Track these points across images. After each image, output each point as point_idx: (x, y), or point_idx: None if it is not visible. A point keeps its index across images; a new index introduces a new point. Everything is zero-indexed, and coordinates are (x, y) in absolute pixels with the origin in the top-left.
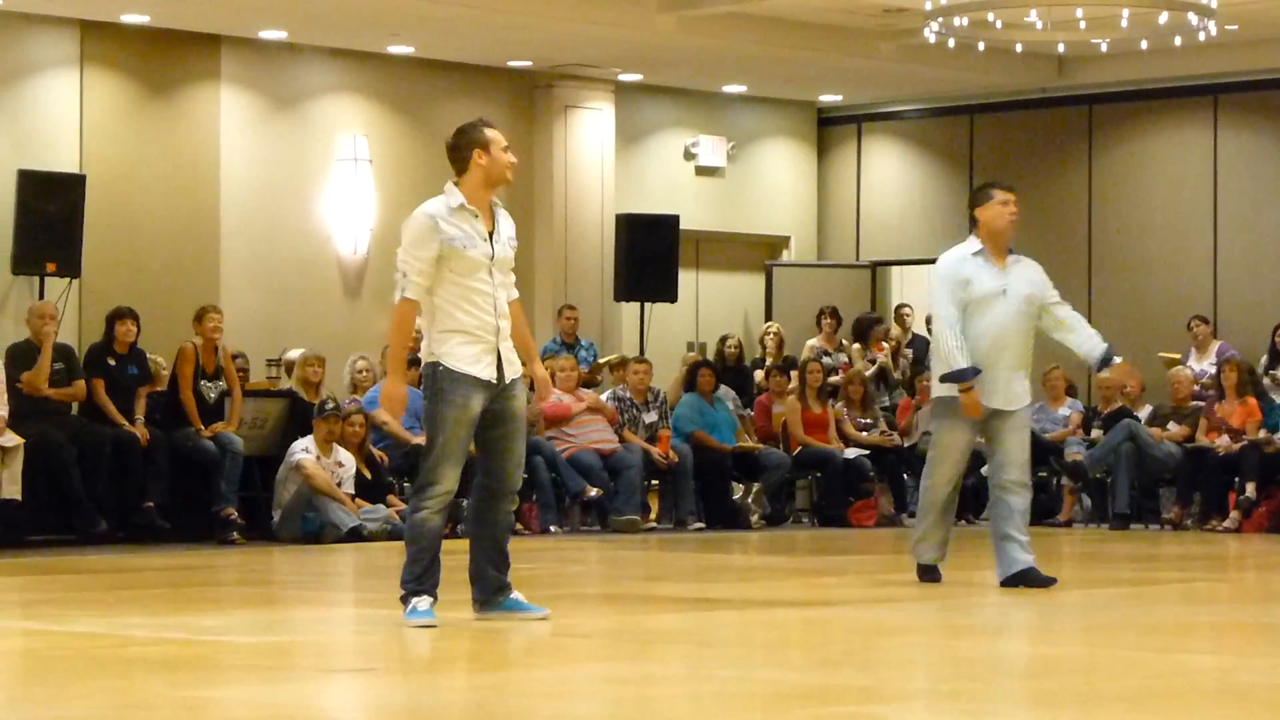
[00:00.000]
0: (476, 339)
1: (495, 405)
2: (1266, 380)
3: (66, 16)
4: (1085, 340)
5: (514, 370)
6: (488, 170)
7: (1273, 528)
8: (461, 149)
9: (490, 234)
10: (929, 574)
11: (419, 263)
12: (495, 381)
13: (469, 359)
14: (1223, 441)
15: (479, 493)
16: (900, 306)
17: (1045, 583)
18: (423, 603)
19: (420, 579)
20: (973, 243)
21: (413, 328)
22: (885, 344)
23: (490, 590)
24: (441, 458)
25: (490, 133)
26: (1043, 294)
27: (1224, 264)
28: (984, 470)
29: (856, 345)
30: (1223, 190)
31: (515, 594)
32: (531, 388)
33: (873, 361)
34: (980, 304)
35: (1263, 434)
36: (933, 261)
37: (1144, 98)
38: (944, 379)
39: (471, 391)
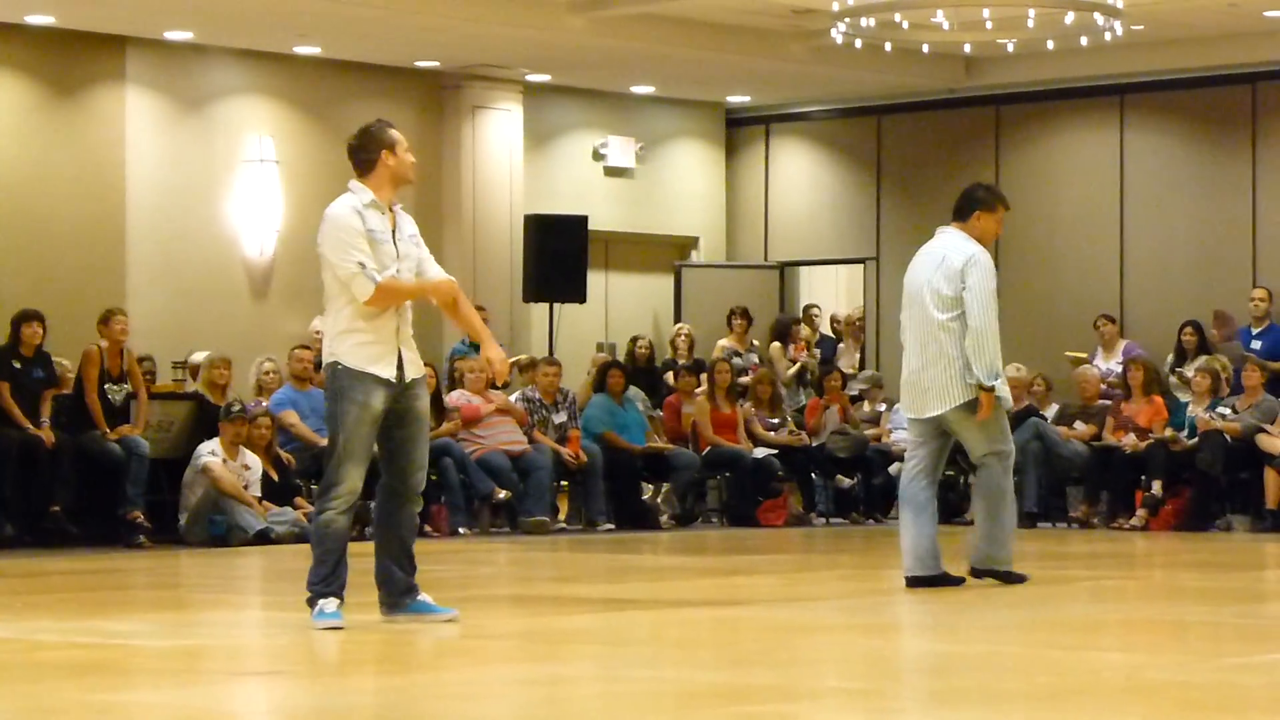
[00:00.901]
0: (375, 339)
1: (398, 405)
2: (1173, 379)
3: None
4: None
5: (415, 370)
6: (395, 170)
7: (1179, 525)
8: (368, 149)
9: (393, 232)
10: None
11: (365, 249)
12: (395, 381)
13: (367, 358)
14: (1129, 440)
15: (383, 494)
16: (809, 307)
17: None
18: (329, 605)
19: (327, 580)
20: (973, 239)
21: (410, 285)
22: (797, 343)
23: (398, 592)
24: (344, 457)
25: (395, 133)
26: None
27: (1130, 263)
28: (892, 470)
29: (776, 345)
30: (1129, 190)
31: (423, 596)
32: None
33: (794, 362)
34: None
35: (1169, 432)
36: (840, 262)
37: (1051, 98)
38: (996, 382)
39: (372, 389)
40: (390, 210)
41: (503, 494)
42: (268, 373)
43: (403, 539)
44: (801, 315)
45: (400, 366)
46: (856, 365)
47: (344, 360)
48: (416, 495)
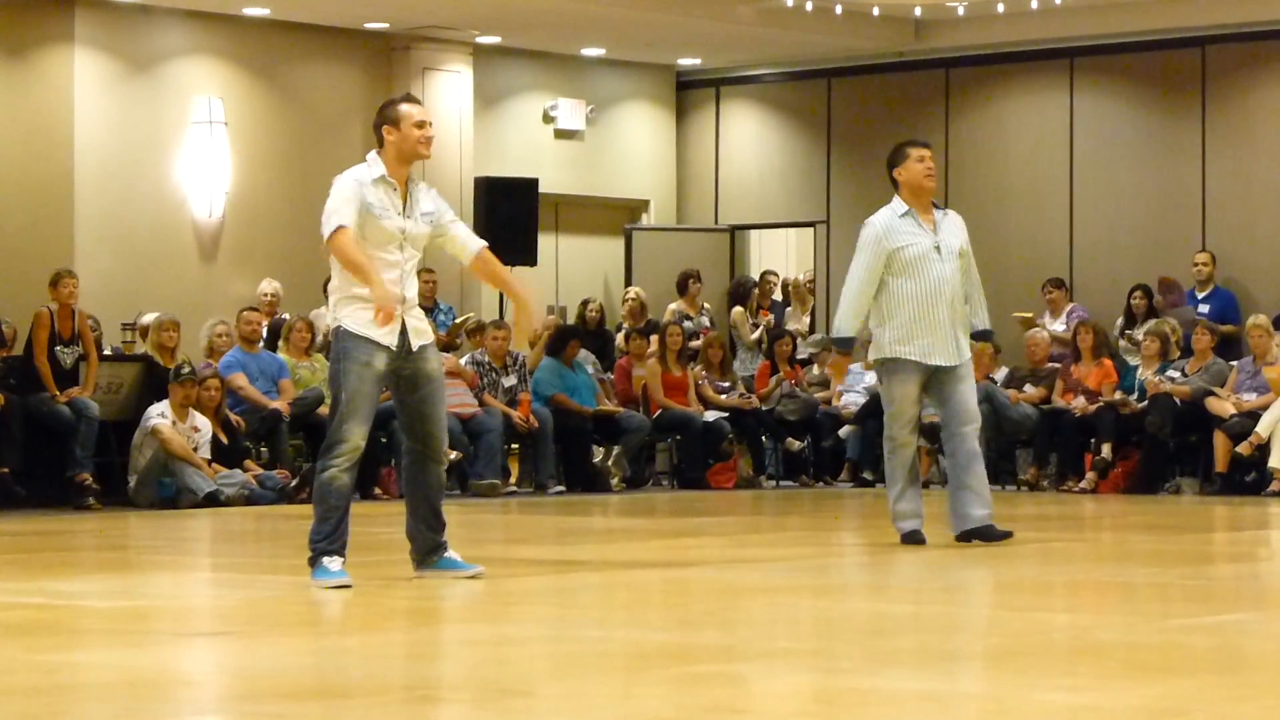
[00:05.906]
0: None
1: (406, 370)
2: (1123, 342)
3: None
4: (974, 313)
5: (422, 338)
6: (398, 146)
7: (1128, 488)
8: (376, 125)
9: (404, 209)
10: (914, 538)
11: (347, 208)
12: (397, 348)
13: (367, 322)
14: (1079, 403)
15: (408, 456)
16: (767, 273)
17: (1001, 537)
18: (333, 563)
19: (330, 538)
20: (898, 204)
21: (358, 258)
22: (764, 307)
23: (425, 549)
24: (347, 415)
25: (405, 108)
26: (966, 248)
27: (1080, 227)
28: (841, 433)
29: (739, 309)
30: (1078, 153)
31: (450, 553)
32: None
33: (757, 326)
34: (914, 264)
35: (1118, 395)
36: (791, 225)
37: (1000, 61)
38: (832, 341)
39: (374, 350)
40: (404, 186)
41: (453, 455)
42: (220, 335)
43: (430, 499)
44: (759, 280)
45: (403, 334)
46: (806, 328)
47: (344, 323)
48: (441, 455)
